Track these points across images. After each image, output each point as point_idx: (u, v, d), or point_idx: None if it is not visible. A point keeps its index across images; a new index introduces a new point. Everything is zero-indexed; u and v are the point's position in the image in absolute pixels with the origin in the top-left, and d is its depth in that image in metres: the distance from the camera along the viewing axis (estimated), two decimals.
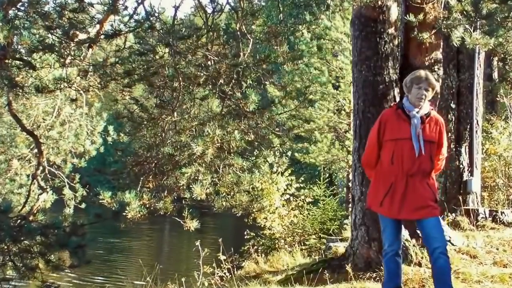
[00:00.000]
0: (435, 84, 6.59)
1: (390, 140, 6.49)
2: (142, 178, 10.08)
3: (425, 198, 6.36)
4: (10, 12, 7.94)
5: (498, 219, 11.36)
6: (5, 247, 7.82)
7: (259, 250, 16.82)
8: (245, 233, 18.03)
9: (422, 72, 6.60)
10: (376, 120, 6.77)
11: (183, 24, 10.60)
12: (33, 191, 13.66)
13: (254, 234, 18.07)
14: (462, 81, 12.23)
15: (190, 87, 9.90)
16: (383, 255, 6.71)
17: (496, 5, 8.06)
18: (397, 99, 9.00)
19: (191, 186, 9.36)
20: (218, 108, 10.18)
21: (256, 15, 9.99)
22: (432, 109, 6.64)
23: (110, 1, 8.32)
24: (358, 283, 8.41)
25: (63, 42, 8.40)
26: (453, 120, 12.02)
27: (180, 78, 9.43)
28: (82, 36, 8.41)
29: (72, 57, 8.68)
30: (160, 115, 10.01)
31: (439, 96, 9.70)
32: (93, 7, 8.70)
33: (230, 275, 12.34)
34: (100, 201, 8.91)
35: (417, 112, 6.44)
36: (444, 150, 6.72)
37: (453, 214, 11.25)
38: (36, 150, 15.85)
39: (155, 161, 9.97)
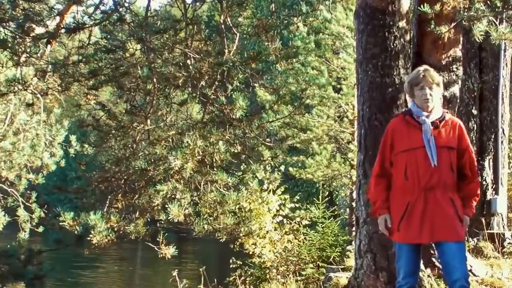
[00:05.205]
0: (437, 78, 6.56)
1: (401, 152, 6.44)
2: (109, 197, 10.06)
3: (449, 215, 6.22)
4: None
5: None
6: None
7: (247, 282, 16.77)
8: (231, 261, 17.96)
9: (419, 69, 6.59)
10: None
11: (158, 16, 10.62)
12: None
13: (241, 263, 18.00)
14: (485, 83, 12.20)
15: (167, 89, 9.90)
16: None
17: None
18: (409, 104, 8.98)
19: (167, 206, 9.33)
20: (199, 114, 10.18)
21: (244, 6, 10.02)
22: (447, 112, 6.62)
23: None
24: None
25: (17, 37, 8.39)
26: (475, 128, 12.00)
27: (155, 80, 9.43)
28: (39, 30, 8.40)
29: (28, 55, 8.67)
30: (131, 122, 10.00)
31: (458, 101, 9.69)
32: None
33: None
34: (61, 224, 8.87)
35: (427, 117, 6.43)
36: (472, 155, 6.60)
37: (475, 239, 11.22)
38: None
39: (125, 177, 9.94)
